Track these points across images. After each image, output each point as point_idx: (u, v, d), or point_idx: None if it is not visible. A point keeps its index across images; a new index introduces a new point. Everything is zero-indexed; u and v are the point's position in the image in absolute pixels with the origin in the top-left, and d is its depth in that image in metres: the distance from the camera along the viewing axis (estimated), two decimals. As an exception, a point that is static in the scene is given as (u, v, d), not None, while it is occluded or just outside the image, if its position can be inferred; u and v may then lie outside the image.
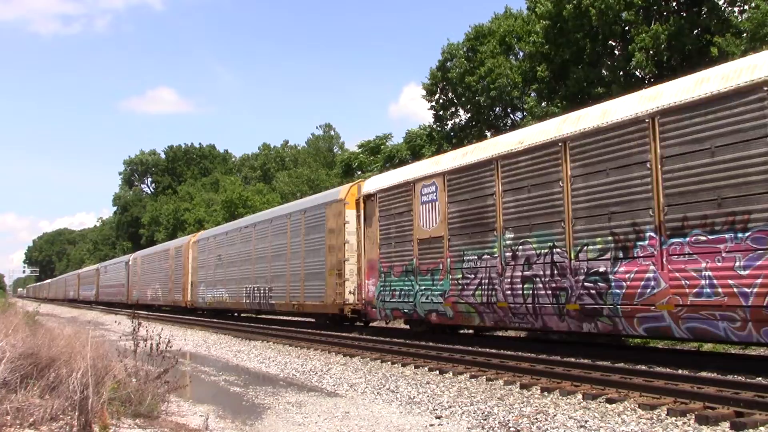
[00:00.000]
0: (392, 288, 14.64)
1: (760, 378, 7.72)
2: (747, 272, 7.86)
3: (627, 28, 21.73)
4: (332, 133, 71.10)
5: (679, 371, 8.25)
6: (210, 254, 28.03)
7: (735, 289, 7.97)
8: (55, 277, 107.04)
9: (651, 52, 20.77)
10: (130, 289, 42.94)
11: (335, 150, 68.18)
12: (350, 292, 16.59)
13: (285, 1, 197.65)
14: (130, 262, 43.62)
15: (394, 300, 14.55)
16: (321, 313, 18.58)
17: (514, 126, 28.31)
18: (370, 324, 18.40)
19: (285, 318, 24.96)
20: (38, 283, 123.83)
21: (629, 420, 6.53)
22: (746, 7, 20.24)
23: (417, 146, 33.49)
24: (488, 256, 11.77)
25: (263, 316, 27.07)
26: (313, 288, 18.39)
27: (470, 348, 11.94)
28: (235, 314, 29.01)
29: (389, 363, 11.39)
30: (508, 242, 11.38)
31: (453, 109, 32.80)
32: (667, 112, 8.87)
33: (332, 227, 17.45)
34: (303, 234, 19.30)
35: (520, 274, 11.09)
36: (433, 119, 33.61)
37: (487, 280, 11.77)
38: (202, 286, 28.89)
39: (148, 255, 40.46)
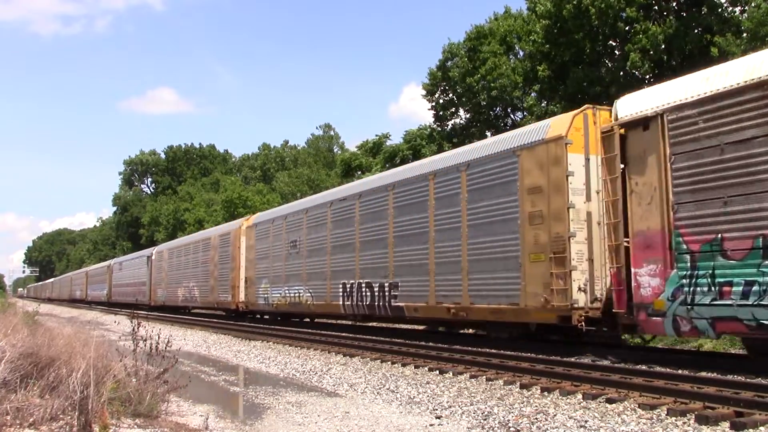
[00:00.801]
0: (718, 280, 8.45)
1: (760, 378, 7.72)
2: None
3: (627, 28, 21.72)
4: (332, 133, 71.19)
5: (679, 371, 8.26)
6: (277, 241, 21.14)
7: None
8: (55, 276, 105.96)
9: (650, 52, 20.77)
10: (154, 289, 36.73)
11: (335, 150, 68.23)
12: (580, 289, 10.50)
13: (285, 1, 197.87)
14: (154, 257, 37.30)
15: (725, 302, 8.36)
16: (511, 322, 12.01)
17: (515, 126, 28.32)
18: (623, 343, 11.86)
19: (417, 328, 17.83)
20: (40, 283, 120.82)
21: (629, 420, 6.53)
22: (746, 7, 20.25)
23: (418, 146, 33.49)
24: None
25: (380, 325, 19.34)
26: (490, 282, 11.96)
27: (470, 348, 11.94)
28: (308, 320, 22.39)
29: (389, 363, 11.39)
30: None
31: (453, 109, 32.80)
32: None
33: (536, 184, 11.21)
34: (464, 201, 12.76)
35: None
36: (433, 119, 33.63)
37: None
38: (263, 282, 21.94)
39: (179, 247, 33.51)
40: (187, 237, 36.59)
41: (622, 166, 10.07)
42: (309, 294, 18.92)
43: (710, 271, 8.63)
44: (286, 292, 20.33)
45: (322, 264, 18.29)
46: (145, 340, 8.13)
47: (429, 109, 33.43)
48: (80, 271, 70.65)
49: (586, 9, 21.40)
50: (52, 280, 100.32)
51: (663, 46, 20.61)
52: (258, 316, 24.94)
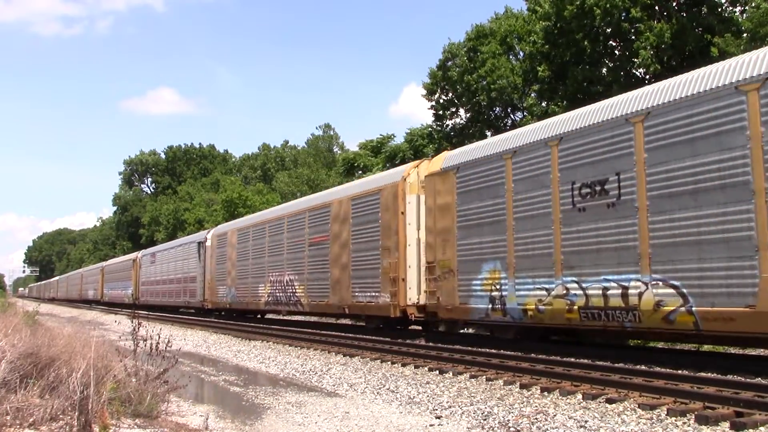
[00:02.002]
0: None
1: (760, 378, 7.72)
2: None
3: (631, 28, 21.75)
4: (332, 133, 71.17)
5: (679, 371, 8.26)
6: (531, 188, 11.26)
7: None
8: (56, 276, 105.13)
9: (653, 51, 20.81)
10: (212, 286, 26.68)
11: (335, 150, 68.24)
12: None
13: (285, 2, 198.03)
14: (209, 242, 27.78)
15: None
16: None
17: (515, 126, 28.33)
18: None
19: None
20: (43, 282, 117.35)
21: (629, 420, 6.53)
22: (747, 7, 20.27)
23: (419, 146, 33.50)
24: None
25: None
26: None
27: (470, 348, 11.94)
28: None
29: (389, 363, 11.39)
30: None
31: (453, 109, 32.83)
32: None
33: None
34: None
35: None
36: (433, 119, 33.64)
37: None
38: (486, 268, 12.26)
39: (260, 224, 22.79)
40: (275, 209, 24.63)
41: None
42: (672, 291, 9.01)
43: None
44: (571, 286, 10.39)
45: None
46: (146, 340, 8.13)
47: (429, 109, 33.47)
48: (94, 267, 60.82)
49: (590, 9, 21.41)
50: (57, 278, 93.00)
51: (665, 45, 20.63)
52: (449, 329, 14.60)
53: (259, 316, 25.85)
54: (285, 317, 25.07)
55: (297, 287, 19.23)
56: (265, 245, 21.85)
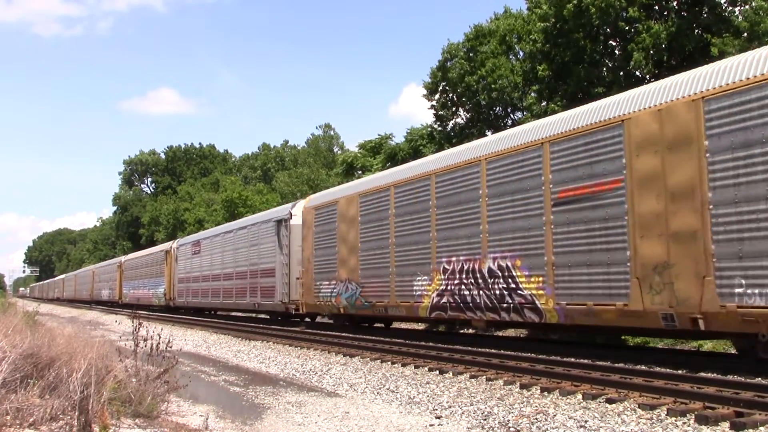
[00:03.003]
0: None
1: (760, 378, 7.72)
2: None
3: (628, 28, 21.73)
4: (332, 132, 71.18)
5: (679, 371, 8.26)
6: None
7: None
8: (56, 276, 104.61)
9: (650, 52, 20.79)
10: (307, 281, 18.24)
11: (335, 150, 68.27)
12: None
13: (285, 2, 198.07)
14: (296, 219, 19.76)
15: None
16: None
17: (515, 125, 28.33)
18: None
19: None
20: (46, 281, 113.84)
21: (629, 420, 6.53)
22: (746, 7, 20.27)
23: (419, 145, 33.48)
24: None
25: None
26: None
27: (470, 348, 11.93)
28: None
29: (389, 363, 11.38)
30: None
31: (454, 109, 32.81)
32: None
33: None
34: None
35: None
36: (434, 119, 33.62)
37: None
38: None
39: (423, 178, 13.72)
40: (453, 150, 14.56)
41: None
42: None
43: None
44: None
45: None
46: (146, 340, 8.14)
47: (429, 108, 33.46)
48: (109, 262, 52.89)
49: (586, 8, 21.41)
50: (63, 276, 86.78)
51: (665, 45, 20.62)
52: None
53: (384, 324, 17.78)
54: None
55: (522, 279, 11.07)
56: (431, 212, 13.31)
